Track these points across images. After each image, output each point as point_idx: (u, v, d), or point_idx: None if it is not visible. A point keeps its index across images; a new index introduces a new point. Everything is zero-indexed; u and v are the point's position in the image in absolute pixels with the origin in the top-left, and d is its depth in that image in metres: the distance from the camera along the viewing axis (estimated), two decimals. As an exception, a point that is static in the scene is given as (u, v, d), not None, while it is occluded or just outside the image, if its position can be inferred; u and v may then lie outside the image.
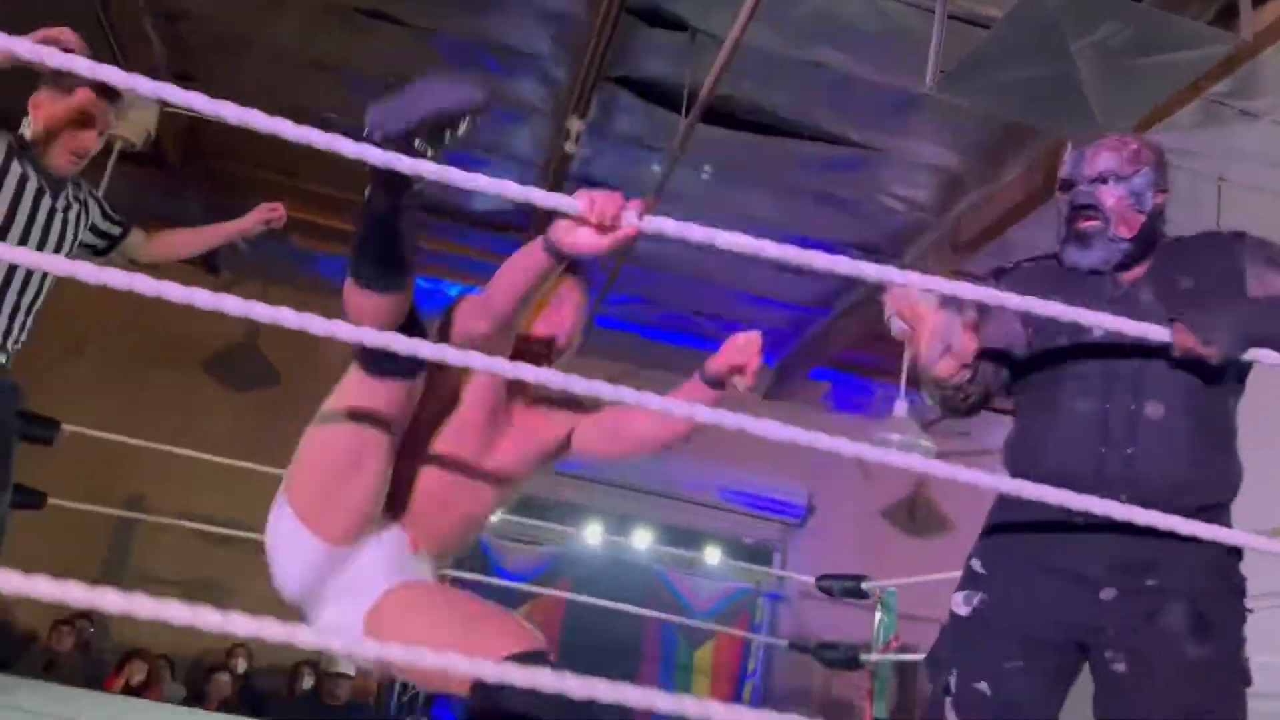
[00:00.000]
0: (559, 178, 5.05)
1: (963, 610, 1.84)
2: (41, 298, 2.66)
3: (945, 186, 4.87)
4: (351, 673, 5.68)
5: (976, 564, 1.87)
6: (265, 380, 7.01)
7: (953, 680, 1.78)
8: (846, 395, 7.39)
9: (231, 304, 1.23)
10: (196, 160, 5.75)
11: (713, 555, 6.94)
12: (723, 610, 6.92)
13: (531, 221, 5.66)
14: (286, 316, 1.24)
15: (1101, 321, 1.51)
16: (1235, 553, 1.72)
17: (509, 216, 5.90)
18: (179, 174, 5.75)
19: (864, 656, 4.83)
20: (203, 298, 1.21)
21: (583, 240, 1.58)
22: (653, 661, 6.72)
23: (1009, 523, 1.84)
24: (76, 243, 2.75)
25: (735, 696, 6.87)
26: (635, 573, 6.80)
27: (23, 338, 2.65)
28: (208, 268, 7.01)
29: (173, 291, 1.20)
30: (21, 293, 2.58)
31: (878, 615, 4.98)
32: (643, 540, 6.72)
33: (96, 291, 1.26)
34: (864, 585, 4.65)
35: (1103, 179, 1.81)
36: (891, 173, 4.82)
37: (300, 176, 5.78)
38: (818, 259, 1.43)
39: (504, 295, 1.78)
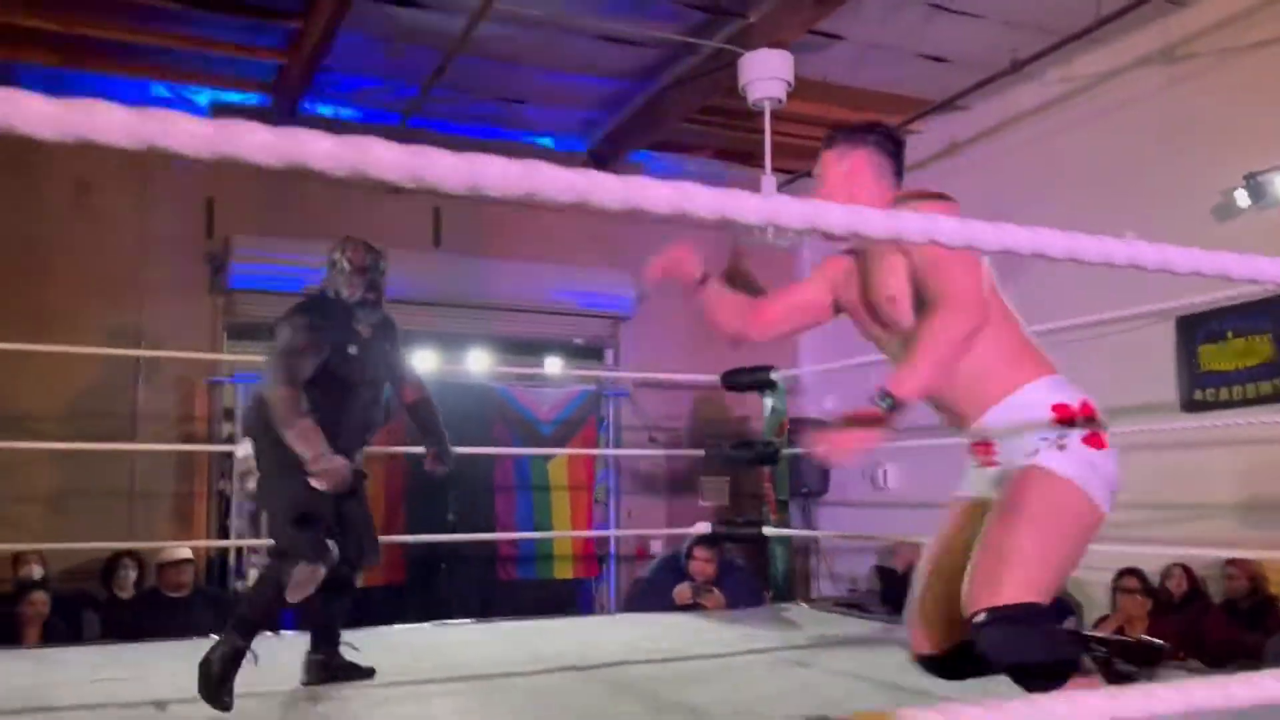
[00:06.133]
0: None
1: None
2: None
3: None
4: (191, 556, 4.94)
5: None
6: None
7: None
8: (671, 178, 6.99)
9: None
10: None
11: (552, 365, 6.60)
12: (569, 417, 6.60)
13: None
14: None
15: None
16: None
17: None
18: None
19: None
20: None
21: None
22: (507, 492, 6.38)
23: None
24: None
25: (591, 499, 6.69)
26: (476, 393, 6.29)
27: None
28: None
29: None
30: None
31: (769, 402, 4.84)
32: (479, 362, 6.22)
33: None
34: (772, 375, 4.45)
35: None
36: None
37: None
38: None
39: None
